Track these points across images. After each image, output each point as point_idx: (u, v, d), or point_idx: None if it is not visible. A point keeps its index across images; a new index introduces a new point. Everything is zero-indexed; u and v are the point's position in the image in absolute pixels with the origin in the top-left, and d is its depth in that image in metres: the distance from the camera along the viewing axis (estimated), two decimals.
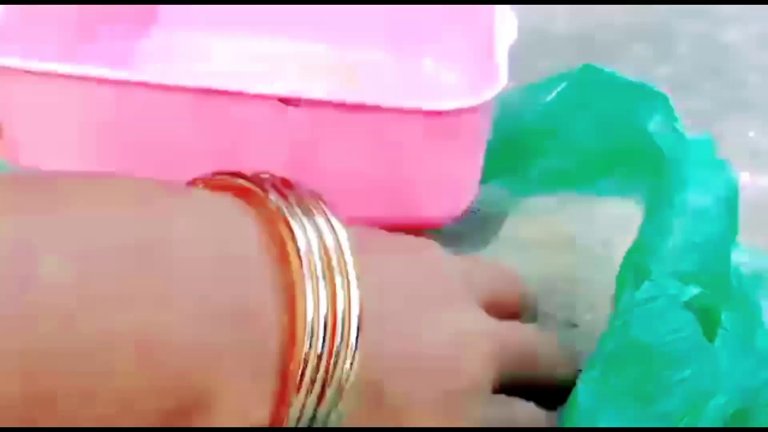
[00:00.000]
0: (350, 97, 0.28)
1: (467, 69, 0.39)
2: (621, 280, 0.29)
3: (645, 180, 0.34)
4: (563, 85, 0.34)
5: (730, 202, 0.30)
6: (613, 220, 0.37)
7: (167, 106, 0.29)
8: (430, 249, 0.27)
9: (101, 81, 0.28)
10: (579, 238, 0.36)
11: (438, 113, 0.29)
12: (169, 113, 0.29)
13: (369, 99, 0.28)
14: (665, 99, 0.33)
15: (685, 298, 0.26)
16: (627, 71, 0.58)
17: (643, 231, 0.30)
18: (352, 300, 0.19)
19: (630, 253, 0.29)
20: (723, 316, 0.27)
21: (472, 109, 0.29)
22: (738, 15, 0.62)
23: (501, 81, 0.29)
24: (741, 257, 0.34)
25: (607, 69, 0.35)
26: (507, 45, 0.32)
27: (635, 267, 0.28)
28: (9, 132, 0.30)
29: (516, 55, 0.61)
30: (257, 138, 0.29)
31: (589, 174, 0.36)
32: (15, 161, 0.30)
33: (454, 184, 0.32)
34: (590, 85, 0.34)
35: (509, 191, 0.37)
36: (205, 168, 0.29)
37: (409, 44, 0.40)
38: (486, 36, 0.35)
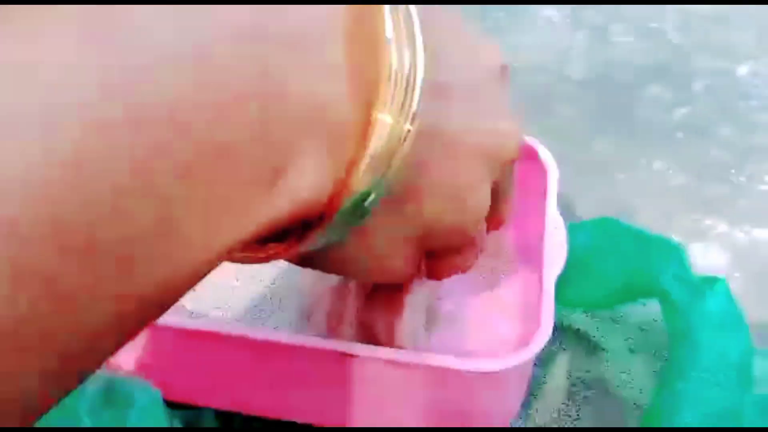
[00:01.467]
0: (405, 358, 0.28)
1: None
2: None
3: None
4: (584, 237, 0.36)
5: (743, 367, 0.32)
6: (635, 328, 0.41)
7: (228, 353, 0.31)
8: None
9: None
10: (608, 344, 0.39)
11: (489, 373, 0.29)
12: (231, 359, 0.31)
13: (419, 359, 0.29)
14: (679, 250, 0.35)
15: None
16: (645, 114, 0.59)
17: (659, 399, 0.32)
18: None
19: (646, 421, 0.32)
20: None
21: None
22: (754, 51, 0.63)
23: (546, 334, 0.30)
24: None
25: (623, 222, 0.36)
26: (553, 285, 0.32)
27: None
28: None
29: (535, 101, 0.62)
30: (315, 386, 0.31)
31: (612, 301, 0.39)
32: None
33: (502, 411, 0.33)
34: (609, 235, 0.36)
35: None
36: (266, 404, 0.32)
37: None
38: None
